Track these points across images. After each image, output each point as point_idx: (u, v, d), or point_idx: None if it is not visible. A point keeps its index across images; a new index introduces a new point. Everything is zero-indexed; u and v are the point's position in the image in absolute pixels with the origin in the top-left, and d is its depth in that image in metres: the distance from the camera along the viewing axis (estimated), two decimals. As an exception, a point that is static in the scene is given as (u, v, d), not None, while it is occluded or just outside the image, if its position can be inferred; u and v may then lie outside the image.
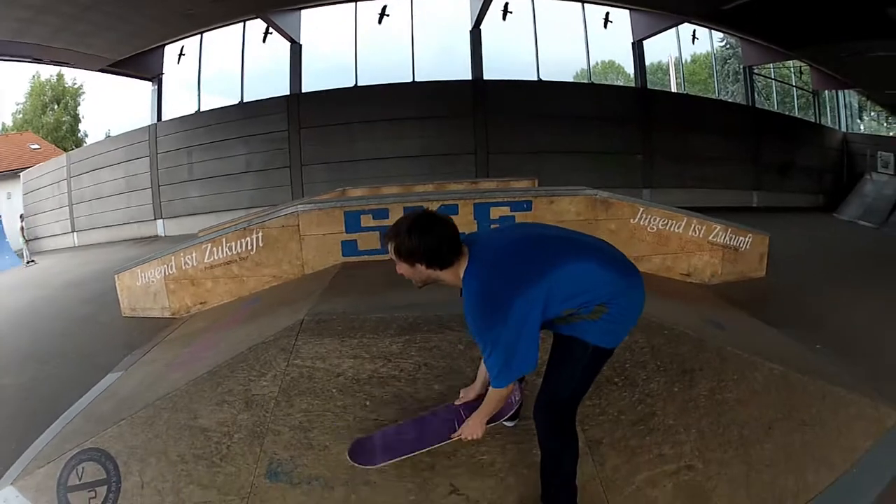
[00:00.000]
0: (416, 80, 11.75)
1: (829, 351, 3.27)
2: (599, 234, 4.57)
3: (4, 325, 7.07)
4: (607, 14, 12.33)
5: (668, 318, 2.80)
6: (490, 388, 1.63)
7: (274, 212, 4.97)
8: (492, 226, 4.53)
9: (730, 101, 14.73)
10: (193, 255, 4.86)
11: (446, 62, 12.81)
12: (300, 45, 11.97)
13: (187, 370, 2.98)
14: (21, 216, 12.36)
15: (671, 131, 12.02)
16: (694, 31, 13.34)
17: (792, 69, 14.79)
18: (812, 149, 13.47)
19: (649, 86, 12.87)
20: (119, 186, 13.42)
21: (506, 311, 1.45)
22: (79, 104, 26.91)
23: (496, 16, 11.82)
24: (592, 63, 13.35)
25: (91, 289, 7.93)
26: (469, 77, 11.76)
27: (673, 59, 15.18)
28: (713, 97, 14.67)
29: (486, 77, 11.76)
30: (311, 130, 11.51)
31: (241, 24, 12.37)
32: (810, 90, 14.60)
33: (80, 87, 26.54)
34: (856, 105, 15.17)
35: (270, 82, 12.26)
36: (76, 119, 26.78)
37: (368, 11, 12.04)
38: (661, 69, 15.40)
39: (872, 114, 15.66)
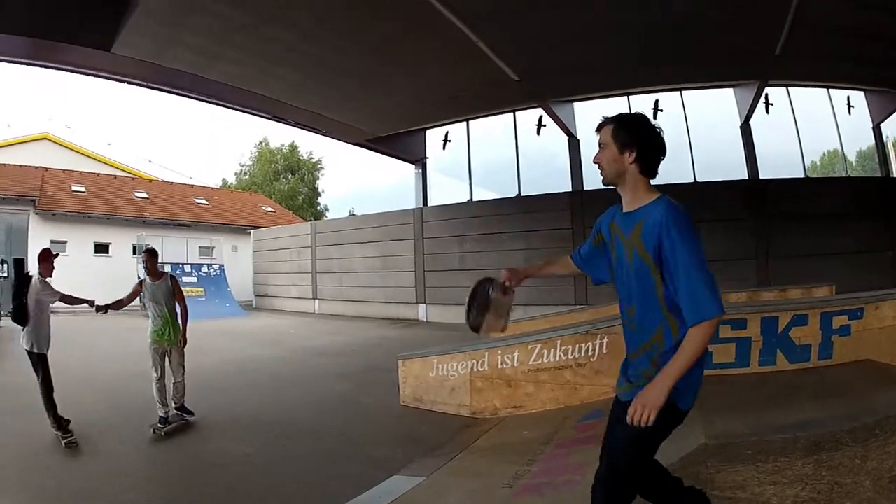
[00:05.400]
0: (698, 179, 11.42)
1: None
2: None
3: (239, 380, 6.16)
4: (848, 98, 11.52)
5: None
6: (691, 329, 1.45)
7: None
8: (832, 337, 4.30)
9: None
10: (516, 354, 4.60)
11: (711, 157, 12.42)
12: (578, 140, 11.97)
13: (547, 498, 2.69)
14: None
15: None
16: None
17: None
18: None
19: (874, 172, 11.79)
20: (373, 265, 13.97)
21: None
22: (317, 178, 28.86)
23: (760, 109, 11.39)
24: (818, 155, 12.52)
25: (345, 364, 7.42)
26: (744, 175, 11.22)
27: (891, 141, 14.12)
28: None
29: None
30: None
31: (510, 114, 12.59)
32: None
33: (318, 162, 28.34)
34: None
35: (543, 175, 12.32)
36: (314, 192, 28.64)
37: (642, 105, 11.87)
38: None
39: None
